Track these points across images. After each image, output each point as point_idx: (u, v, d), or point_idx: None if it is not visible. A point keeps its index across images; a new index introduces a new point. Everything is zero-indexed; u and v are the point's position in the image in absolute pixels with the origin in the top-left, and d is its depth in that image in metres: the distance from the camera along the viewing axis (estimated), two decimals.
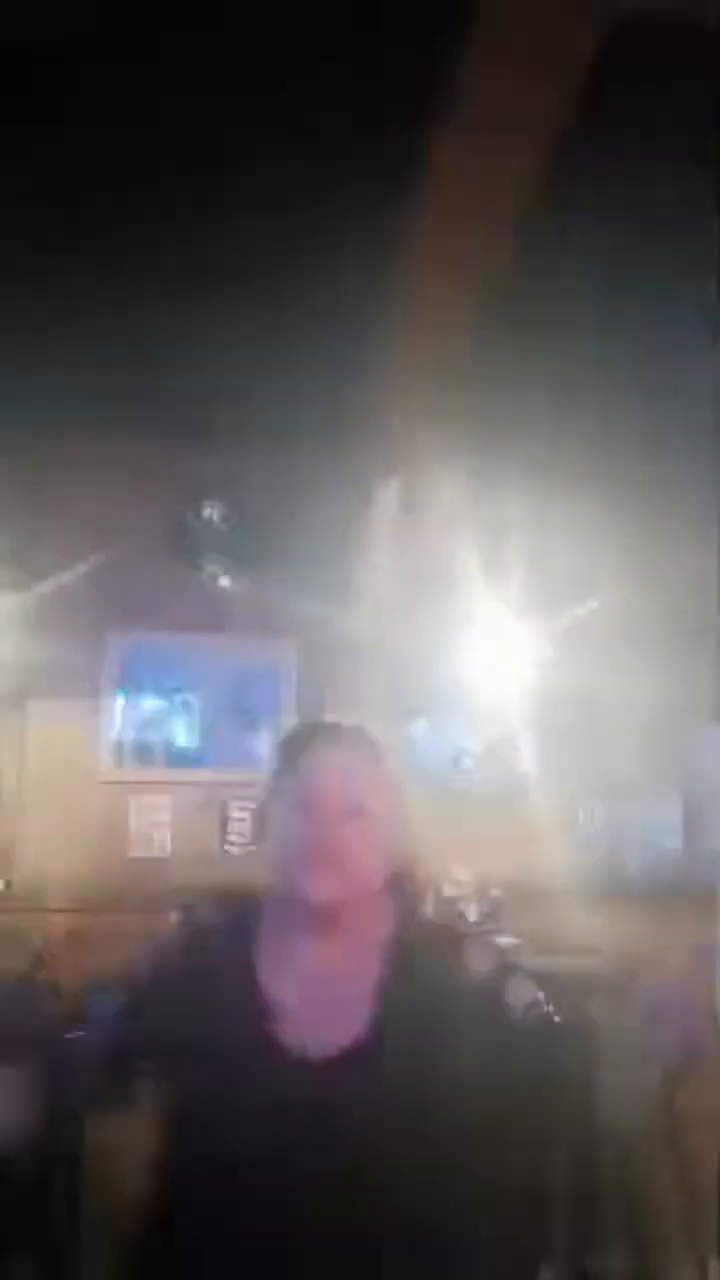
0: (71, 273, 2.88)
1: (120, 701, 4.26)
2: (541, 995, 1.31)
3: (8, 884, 3.92)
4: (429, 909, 1.53)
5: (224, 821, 4.19)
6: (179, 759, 4.28)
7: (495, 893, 3.99)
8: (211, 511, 4.18)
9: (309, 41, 2.16)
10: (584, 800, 4.45)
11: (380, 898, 1.25)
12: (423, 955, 1.24)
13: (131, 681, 4.28)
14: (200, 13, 2.10)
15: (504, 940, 3.83)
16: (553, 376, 3.41)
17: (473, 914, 3.93)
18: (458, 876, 4.02)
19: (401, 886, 1.30)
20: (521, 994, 1.28)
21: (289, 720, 4.29)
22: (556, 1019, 1.29)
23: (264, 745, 4.29)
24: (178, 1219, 1.15)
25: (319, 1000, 1.17)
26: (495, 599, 4.13)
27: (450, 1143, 1.12)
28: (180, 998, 1.22)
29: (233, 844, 4.16)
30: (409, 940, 1.24)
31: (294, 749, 1.29)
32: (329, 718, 1.38)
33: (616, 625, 4.15)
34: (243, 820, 4.18)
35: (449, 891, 3.98)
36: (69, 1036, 1.41)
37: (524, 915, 3.95)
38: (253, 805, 4.18)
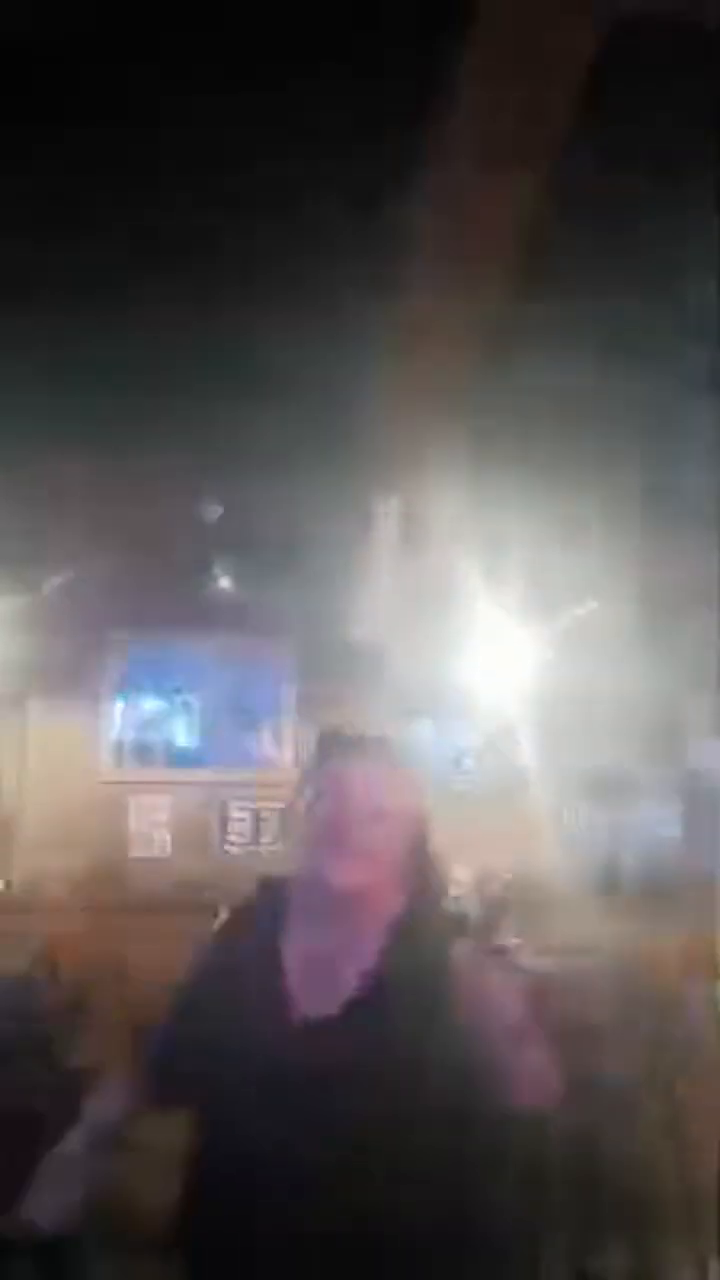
0: (75, 282, 2.89)
1: (120, 702, 4.26)
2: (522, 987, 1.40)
3: (8, 884, 3.92)
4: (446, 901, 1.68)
5: (224, 821, 4.19)
6: (179, 759, 4.28)
7: (495, 892, 4.00)
8: (213, 513, 4.18)
9: (309, 41, 2.15)
10: (583, 801, 4.45)
11: (397, 888, 1.40)
12: (424, 940, 1.37)
13: (131, 682, 4.28)
14: (200, 13, 2.10)
15: (504, 939, 3.83)
16: (552, 380, 3.41)
17: (473, 913, 3.93)
18: (458, 876, 4.02)
19: (424, 877, 1.45)
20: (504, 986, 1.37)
21: (289, 720, 4.29)
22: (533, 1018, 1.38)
23: (264, 745, 4.29)
24: (204, 1182, 1.29)
25: (330, 974, 1.33)
26: (496, 601, 4.13)
27: (423, 1114, 1.23)
28: (216, 992, 1.37)
29: (233, 844, 4.16)
30: (415, 926, 1.38)
31: (323, 756, 1.43)
32: (353, 728, 1.53)
33: (616, 627, 4.15)
34: (243, 820, 4.18)
35: (449, 891, 3.99)
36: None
37: (524, 915, 3.95)
38: (252, 805, 4.18)
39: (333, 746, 1.45)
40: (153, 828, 4.14)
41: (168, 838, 4.15)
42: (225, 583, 4.24)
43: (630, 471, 4.00)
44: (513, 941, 3.83)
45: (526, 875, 4.04)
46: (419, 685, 4.30)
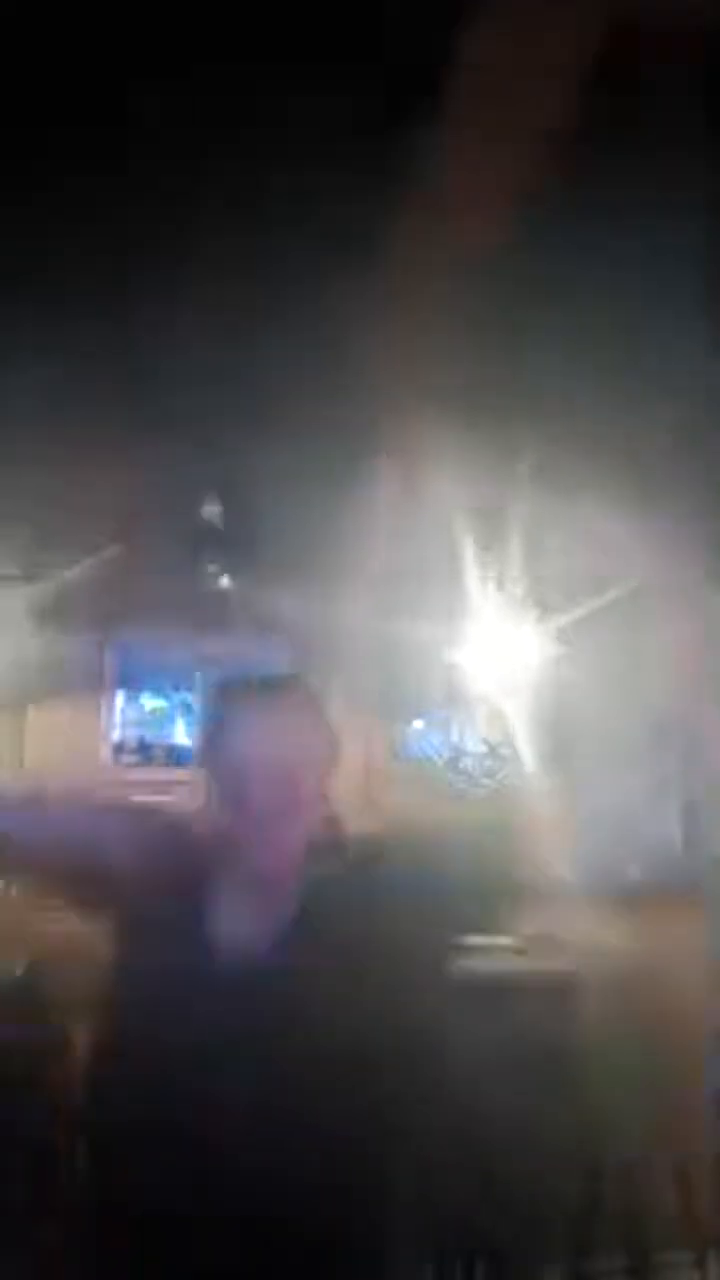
0: (68, 270, 2.88)
1: (120, 701, 4.25)
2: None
3: (7, 884, 3.92)
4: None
5: None
6: (179, 759, 4.27)
7: None
8: (211, 511, 4.17)
9: (306, 40, 2.15)
10: (583, 800, 4.44)
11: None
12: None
13: (132, 681, 4.27)
14: (196, 10, 2.10)
15: (500, 940, 3.83)
16: (554, 364, 3.39)
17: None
18: None
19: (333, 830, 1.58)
20: None
21: None
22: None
23: None
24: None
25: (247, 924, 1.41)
26: (497, 599, 4.13)
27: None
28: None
29: None
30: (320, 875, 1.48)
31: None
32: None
33: (619, 624, 4.14)
34: None
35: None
36: None
37: (523, 915, 3.94)
38: None
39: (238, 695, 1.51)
40: None
41: None
42: (225, 581, 4.23)
43: (637, 458, 3.98)
44: (511, 942, 3.82)
45: (525, 875, 4.02)
46: (418, 683, 4.30)
